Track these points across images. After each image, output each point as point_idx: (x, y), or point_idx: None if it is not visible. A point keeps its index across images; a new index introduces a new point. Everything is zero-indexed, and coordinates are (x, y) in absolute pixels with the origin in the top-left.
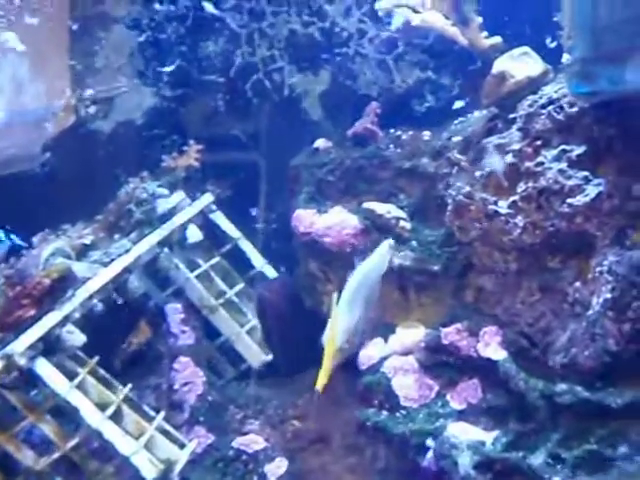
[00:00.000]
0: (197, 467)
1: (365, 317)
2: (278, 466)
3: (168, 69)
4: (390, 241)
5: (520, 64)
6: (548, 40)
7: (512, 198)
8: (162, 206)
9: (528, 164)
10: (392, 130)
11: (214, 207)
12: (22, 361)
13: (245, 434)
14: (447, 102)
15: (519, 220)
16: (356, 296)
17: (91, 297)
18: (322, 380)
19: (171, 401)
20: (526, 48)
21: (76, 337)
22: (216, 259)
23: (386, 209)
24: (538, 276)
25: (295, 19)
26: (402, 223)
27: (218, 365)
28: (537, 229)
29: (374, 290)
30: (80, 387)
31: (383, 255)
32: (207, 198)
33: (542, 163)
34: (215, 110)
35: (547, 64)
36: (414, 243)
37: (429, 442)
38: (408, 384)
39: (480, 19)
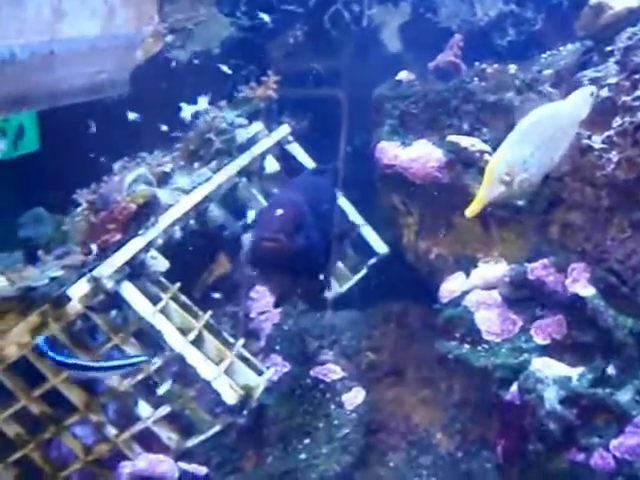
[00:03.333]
0: (275, 394)
1: (544, 158)
2: (355, 396)
3: None
4: (593, 88)
5: None
6: None
7: (607, 133)
8: (241, 136)
9: (625, 98)
10: (476, 63)
11: (291, 138)
12: (109, 284)
13: (321, 364)
14: (529, 36)
15: (613, 155)
16: (535, 130)
17: (174, 224)
18: (474, 207)
19: (248, 329)
20: None
21: (159, 262)
22: None
23: (470, 142)
24: (630, 213)
25: None
26: (486, 157)
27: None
28: (632, 165)
29: (564, 134)
30: (163, 312)
31: (584, 99)
32: (284, 129)
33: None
34: (293, 41)
35: None
36: None
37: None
38: (491, 318)
39: None
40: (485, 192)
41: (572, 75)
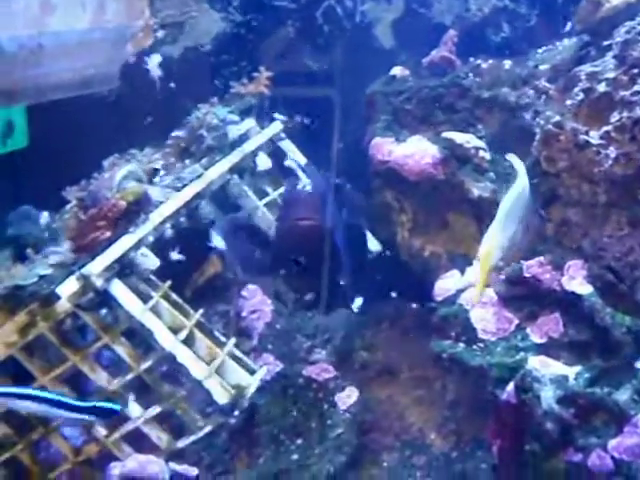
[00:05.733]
0: (267, 394)
1: (517, 234)
2: (348, 395)
3: None
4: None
5: None
6: None
7: (605, 128)
8: (233, 132)
9: (623, 93)
10: (470, 59)
11: (283, 135)
12: (98, 282)
13: (313, 363)
14: (523, 32)
15: (611, 151)
16: (510, 214)
17: (164, 221)
18: (478, 296)
19: (239, 328)
20: None
21: (150, 260)
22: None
23: (465, 139)
24: (628, 209)
25: None
26: (481, 153)
27: (283, 295)
28: (630, 160)
29: (527, 207)
30: (154, 310)
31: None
32: (277, 126)
33: (638, 92)
34: (286, 37)
35: None
36: (492, 174)
37: None
38: (486, 317)
39: None
40: (486, 279)
41: (569, 70)
